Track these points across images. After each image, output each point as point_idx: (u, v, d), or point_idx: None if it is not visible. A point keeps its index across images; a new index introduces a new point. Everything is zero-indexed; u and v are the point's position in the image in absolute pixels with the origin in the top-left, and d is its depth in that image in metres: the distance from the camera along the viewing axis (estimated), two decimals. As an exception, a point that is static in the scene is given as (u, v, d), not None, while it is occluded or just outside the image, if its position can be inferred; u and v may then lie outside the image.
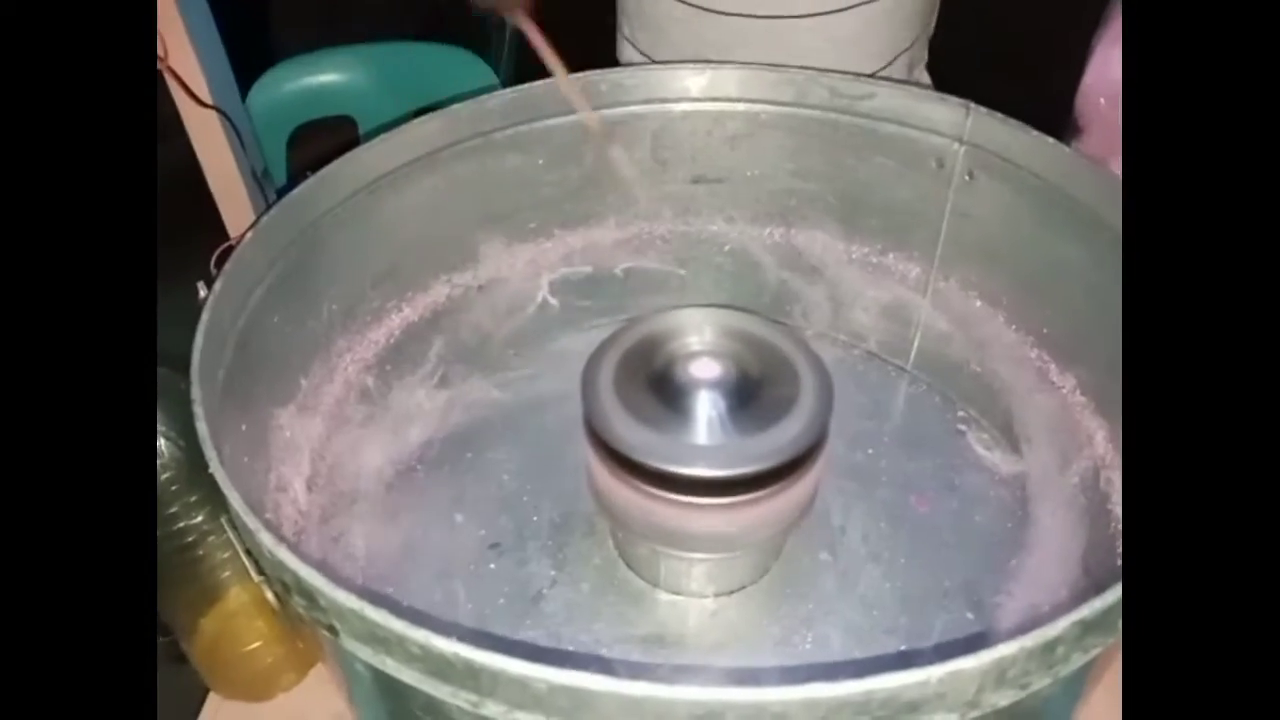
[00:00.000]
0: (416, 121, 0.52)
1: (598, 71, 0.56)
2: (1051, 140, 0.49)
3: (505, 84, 0.57)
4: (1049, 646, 0.26)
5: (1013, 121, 0.50)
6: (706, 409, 0.43)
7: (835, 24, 0.66)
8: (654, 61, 0.70)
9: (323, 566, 0.44)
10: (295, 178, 0.49)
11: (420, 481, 0.55)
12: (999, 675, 0.26)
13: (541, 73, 0.56)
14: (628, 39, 0.74)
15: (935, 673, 0.25)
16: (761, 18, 0.65)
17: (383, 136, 0.51)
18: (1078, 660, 0.28)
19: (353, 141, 0.51)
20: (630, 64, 0.74)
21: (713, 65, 0.57)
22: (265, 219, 0.45)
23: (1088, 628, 0.27)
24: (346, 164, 0.49)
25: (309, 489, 0.46)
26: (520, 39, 0.58)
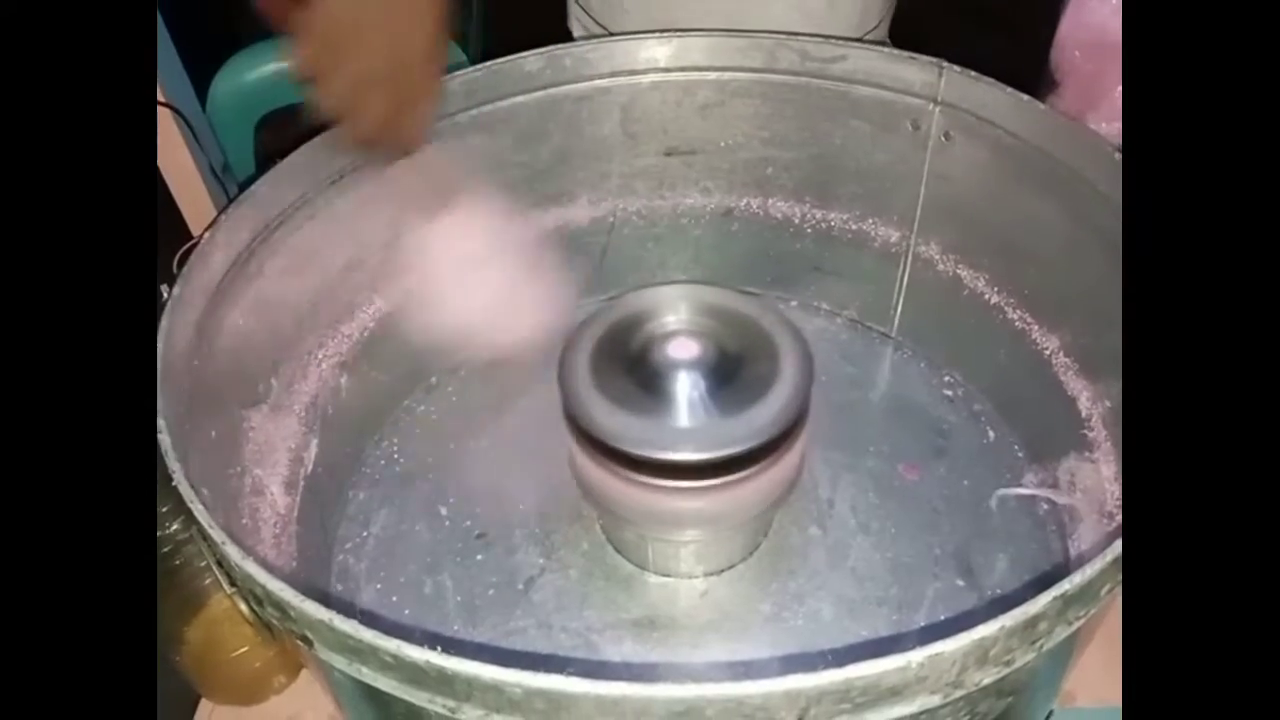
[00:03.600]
0: (377, 107, 0.51)
1: (562, 46, 0.55)
2: (1026, 98, 0.48)
3: (474, 62, 0.55)
4: (1030, 623, 0.26)
5: (986, 80, 0.49)
6: (686, 390, 0.42)
7: None
8: (612, 33, 0.68)
9: (300, 573, 0.44)
10: (264, 168, 0.48)
11: (403, 474, 0.54)
12: (981, 655, 0.26)
13: (511, 50, 0.54)
14: (580, 5, 0.72)
15: (915, 657, 0.24)
16: None
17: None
18: (1061, 633, 0.28)
19: (320, 128, 0.50)
20: (586, 34, 0.72)
21: (679, 34, 0.55)
22: (224, 217, 0.44)
23: (1069, 601, 0.27)
24: (305, 155, 0.48)
25: (286, 490, 0.45)
26: (489, 16, 0.56)
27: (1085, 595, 0.27)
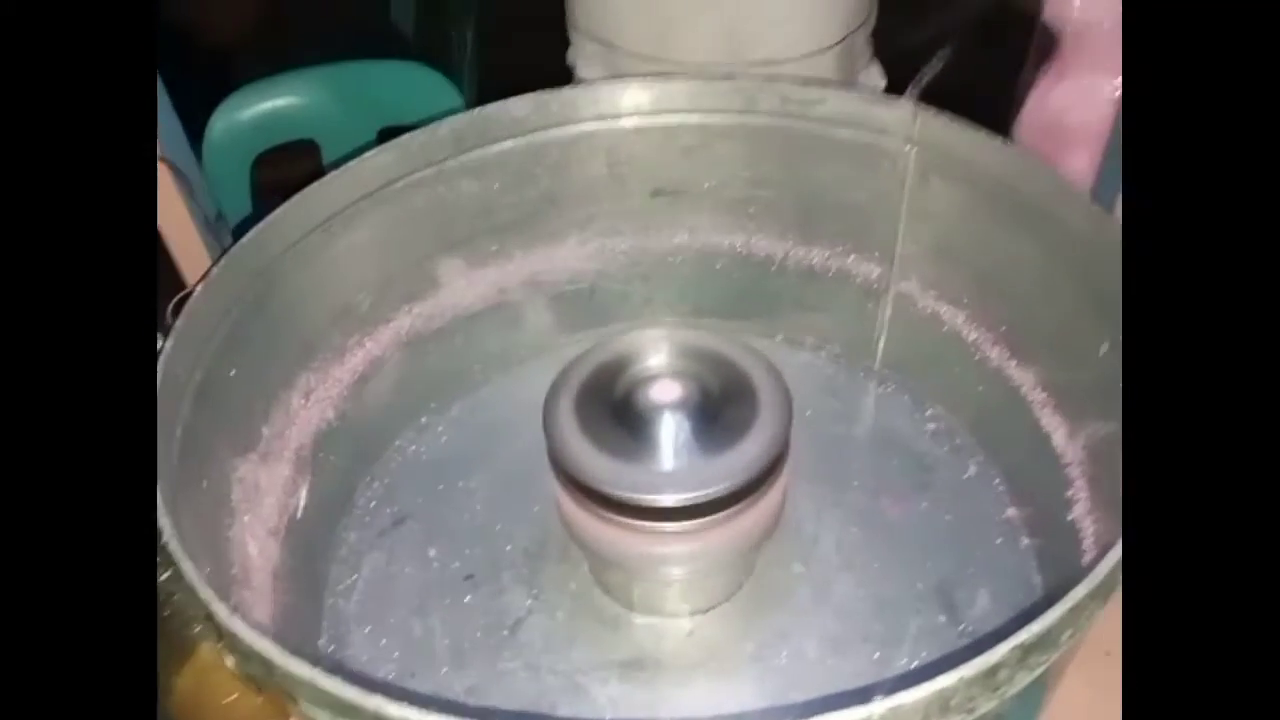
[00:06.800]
0: (366, 155, 0.52)
1: (548, 91, 0.56)
2: (998, 139, 0.49)
3: (469, 100, 0.56)
4: (990, 672, 0.27)
5: (960, 121, 0.50)
6: (669, 432, 0.43)
7: None
8: (611, 47, 0.70)
9: (290, 618, 0.45)
10: (261, 205, 0.49)
11: (393, 515, 0.55)
12: (942, 705, 0.26)
13: (506, 89, 0.56)
14: (582, 32, 0.73)
15: (876, 709, 0.25)
16: None
17: (332, 174, 0.51)
18: (1023, 680, 0.28)
19: (315, 165, 0.51)
20: (585, 56, 0.73)
21: (662, 78, 0.57)
22: (216, 269, 0.45)
23: (1029, 650, 0.27)
24: (296, 205, 0.49)
25: (276, 535, 0.46)
26: (482, 54, 0.57)
27: (1045, 643, 0.28)
